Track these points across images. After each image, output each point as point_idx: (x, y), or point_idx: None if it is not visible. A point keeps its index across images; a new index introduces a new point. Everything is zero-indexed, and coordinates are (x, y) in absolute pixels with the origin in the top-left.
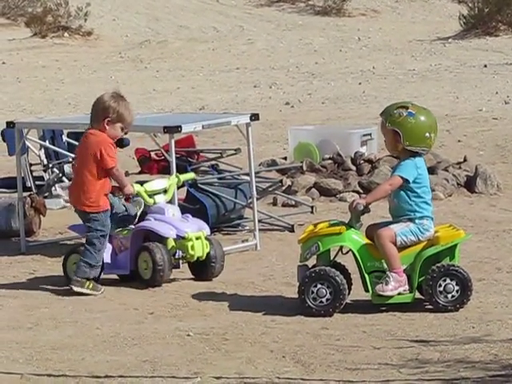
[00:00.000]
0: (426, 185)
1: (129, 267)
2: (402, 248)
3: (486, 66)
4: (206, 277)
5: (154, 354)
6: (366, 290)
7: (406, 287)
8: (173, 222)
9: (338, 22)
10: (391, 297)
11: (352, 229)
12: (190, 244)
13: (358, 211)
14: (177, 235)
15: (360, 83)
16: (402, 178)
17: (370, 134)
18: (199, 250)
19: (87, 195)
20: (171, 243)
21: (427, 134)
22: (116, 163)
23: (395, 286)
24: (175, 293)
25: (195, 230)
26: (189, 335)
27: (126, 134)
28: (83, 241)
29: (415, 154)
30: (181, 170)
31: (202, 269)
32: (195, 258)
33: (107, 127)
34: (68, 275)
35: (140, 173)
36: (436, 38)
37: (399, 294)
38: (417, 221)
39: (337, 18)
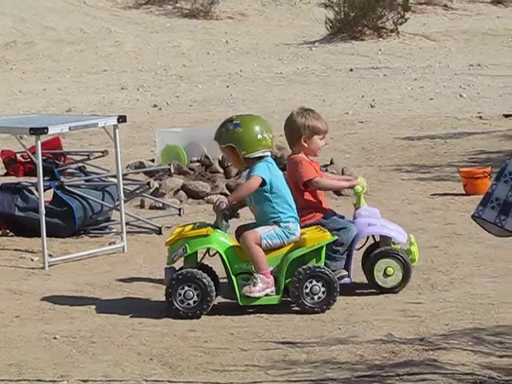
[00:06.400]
0: (283, 185)
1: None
2: (268, 250)
3: (351, 69)
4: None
5: (20, 358)
6: (233, 293)
7: (273, 289)
8: (394, 226)
9: (205, 24)
10: (258, 298)
11: (220, 231)
12: (414, 248)
13: (221, 209)
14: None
15: (228, 86)
16: (260, 177)
17: None
18: (418, 253)
19: None
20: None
21: (260, 136)
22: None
23: (263, 288)
24: (41, 295)
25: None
26: (55, 338)
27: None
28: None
29: (261, 158)
30: (47, 172)
31: None
32: (416, 263)
33: (306, 144)
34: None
35: (6, 175)
36: (303, 42)
37: (266, 295)
38: (282, 224)
39: (204, 21)
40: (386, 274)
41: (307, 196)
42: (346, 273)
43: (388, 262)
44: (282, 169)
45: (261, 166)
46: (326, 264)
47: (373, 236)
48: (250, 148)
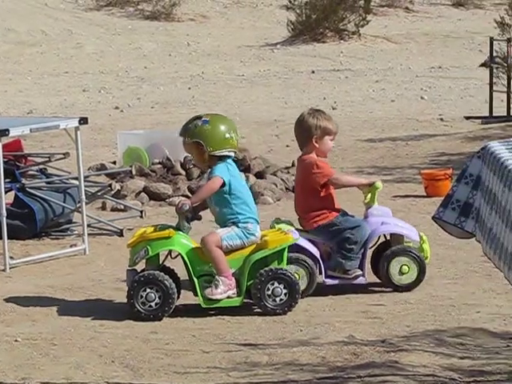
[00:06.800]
0: (243, 186)
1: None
2: (229, 252)
3: (313, 71)
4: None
5: None
6: (195, 294)
7: (235, 290)
8: (406, 225)
9: (167, 26)
10: (220, 300)
11: (182, 233)
12: (425, 246)
13: (184, 211)
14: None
15: (189, 88)
16: (220, 177)
17: None
18: (430, 251)
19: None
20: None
21: (227, 135)
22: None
23: (224, 290)
24: (2, 297)
25: None
26: (16, 341)
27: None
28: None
29: (224, 158)
30: (8, 174)
31: None
32: (429, 260)
33: (317, 145)
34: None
35: None
36: (264, 44)
37: (228, 297)
38: (240, 224)
39: (166, 23)
40: (401, 272)
41: (321, 196)
42: (360, 272)
43: (403, 261)
44: (244, 171)
45: (220, 166)
46: (341, 264)
47: (384, 235)
48: (216, 146)
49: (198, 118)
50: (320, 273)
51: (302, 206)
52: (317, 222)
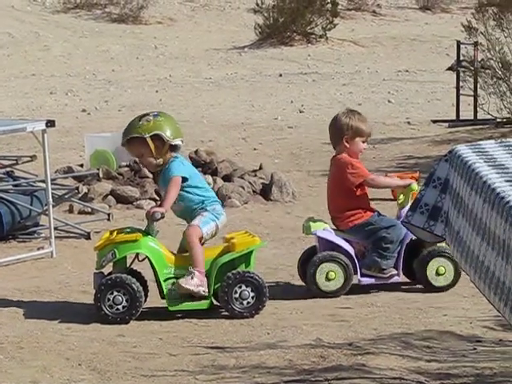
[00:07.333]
0: (198, 174)
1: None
2: (209, 239)
3: (281, 75)
4: None
5: None
6: (163, 297)
7: (206, 290)
8: None
9: (134, 29)
10: (190, 297)
11: (149, 236)
12: None
13: (156, 219)
14: None
15: (157, 91)
16: (179, 176)
17: None
18: None
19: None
20: None
21: (177, 125)
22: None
23: (198, 283)
24: None
25: None
26: None
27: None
28: None
29: (176, 150)
30: None
31: None
32: None
33: (347, 145)
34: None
35: None
36: (232, 47)
37: (197, 298)
38: (208, 208)
39: (133, 26)
40: (437, 273)
41: (356, 196)
42: (396, 271)
43: (440, 262)
44: (211, 174)
45: (175, 164)
46: (377, 262)
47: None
48: (175, 134)
49: (146, 114)
50: (355, 272)
51: (335, 205)
52: (352, 222)
